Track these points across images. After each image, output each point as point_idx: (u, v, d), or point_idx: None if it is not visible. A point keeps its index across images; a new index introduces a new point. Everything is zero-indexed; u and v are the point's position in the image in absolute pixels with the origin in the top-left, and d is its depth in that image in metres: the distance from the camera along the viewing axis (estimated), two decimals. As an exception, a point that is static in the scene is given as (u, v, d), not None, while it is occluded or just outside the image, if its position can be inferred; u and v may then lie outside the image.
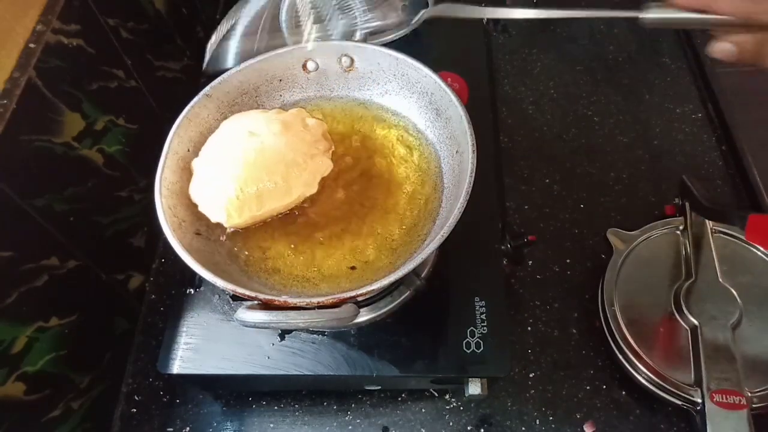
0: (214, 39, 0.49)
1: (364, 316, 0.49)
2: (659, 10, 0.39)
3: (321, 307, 0.37)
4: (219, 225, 0.45)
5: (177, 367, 0.48)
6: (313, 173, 0.45)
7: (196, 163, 0.46)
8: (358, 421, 0.55)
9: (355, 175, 0.49)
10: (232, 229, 0.45)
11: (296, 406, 0.56)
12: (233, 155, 0.44)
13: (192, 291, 0.52)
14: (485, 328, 0.49)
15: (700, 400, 0.50)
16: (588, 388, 0.56)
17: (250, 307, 0.38)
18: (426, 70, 0.48)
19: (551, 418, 0.55)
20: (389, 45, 0.51)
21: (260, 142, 0.44)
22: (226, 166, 0.44)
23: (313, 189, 0.45)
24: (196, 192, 0.45)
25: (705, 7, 0.37)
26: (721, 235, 0.59)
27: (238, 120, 0.47)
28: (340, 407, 0.55)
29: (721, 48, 0.38)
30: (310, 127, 0.47)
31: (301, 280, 0.44)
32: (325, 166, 0.46)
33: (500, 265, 0.54)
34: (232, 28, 0.49)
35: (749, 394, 0.50)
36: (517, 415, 0.55)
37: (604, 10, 0.41)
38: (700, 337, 0.53)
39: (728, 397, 0.49)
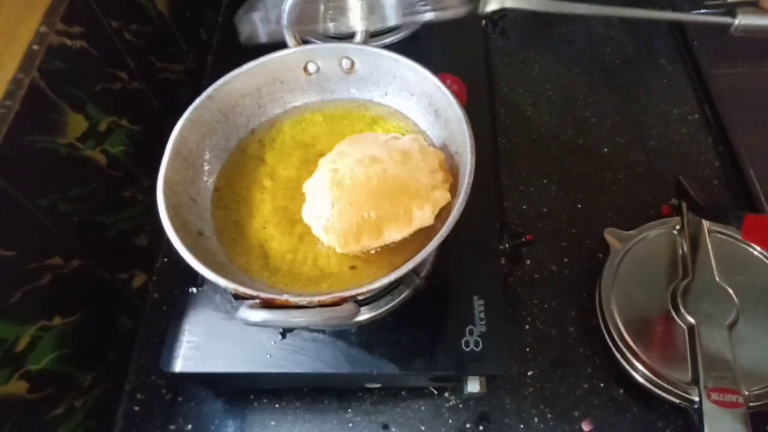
0: (241, 11, 0.49)
1: (365, 314, 0.49)
2: (753, 17, 0.36)
3: (322, 305, 0.37)
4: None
5: (179, 365, 0.48)
6: (433, 206, 0.43)
7: (309, 186, 0.45)
8: (358, 418, 0.55)
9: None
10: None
11: (297, 403, 0.56)
12: (356, 180, 0.43)
13: (194, 290, 0.52)
14: (484, 326, 0.49)
15: (697, 399, 0.50)
16: (586, 386, 0.57)
17: (252, 306, 0.38)
18: (425, 72, 0.48)
19: (549, 415, 0.55)
20: (389, 47, 0.51)
21: (383, 170, 0.43)
22: (347, 191, 0.43)
23: (431, 222, 0.43)
24: (310, 215, 0.44)
25: None
26: (718, 234, 0.60)
27: (357, 143, 0.46)
28: (341, 405, 0.56)
29: None
30: (428, 155, 0.45)
31: (302, 279, 0.44)
32: (444, 200, 0.44)
33: (498, 265, 0.54)
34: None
35: (746, 393, 0.50)
36: (516, 413, 0.55)
37: (694, 15, 0.39)
38: (697, 336, 0.53)
39: (725, 395, 0.49)
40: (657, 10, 0.42)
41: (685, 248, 0.59)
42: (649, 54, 0.84)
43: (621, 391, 0.56)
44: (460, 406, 0.56)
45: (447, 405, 0.56)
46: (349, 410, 0.56)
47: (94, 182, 0.54)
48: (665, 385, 0.52)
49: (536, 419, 0.55)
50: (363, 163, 0.44)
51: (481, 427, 0.55)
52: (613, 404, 0.56)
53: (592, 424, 0.54)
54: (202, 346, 0.49)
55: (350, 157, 0.45)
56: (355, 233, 0.42)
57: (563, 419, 0.55)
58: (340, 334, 0.50)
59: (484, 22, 0.71)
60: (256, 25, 0.49)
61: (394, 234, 0.43)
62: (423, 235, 0.45)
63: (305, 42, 0.53)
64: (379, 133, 0.49)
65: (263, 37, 0.48)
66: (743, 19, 0.37)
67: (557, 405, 0.56)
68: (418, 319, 0.50)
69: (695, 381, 0.51)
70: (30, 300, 0.45)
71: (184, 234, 0.42)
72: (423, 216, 0.43)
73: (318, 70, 0.52)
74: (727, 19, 0.38)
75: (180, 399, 0.57)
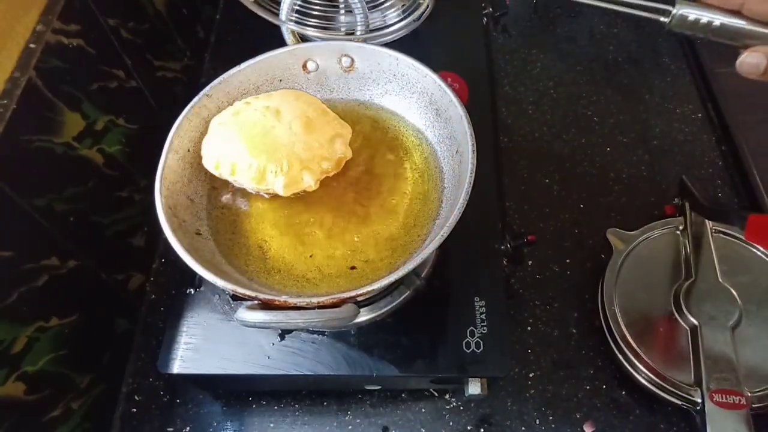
0: None
1: (364, 315, 0.49)
2: (689, 9, 0.36)
3: (321, 307, 0.37)
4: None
5: (177, 366, 0.48)
6: (290, 183, 0.44)
7: (239, 103, 0.48)
8: (358, 420, 0.55)
9: (356, 176, 0.49)
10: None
11: (296, 405, 0.56)
12: (247, 119, 0.45)
13: (192, 291, 0.52)
14: (485, 328, 0.49)
15: (700, 400, 0.50)
16: (588, 387, 0.56)
17: (250, 307, 0.38)
18: (426, 70, 0.48)
19: (551, 417, 0.55)
20: (389, 45, 0.51)
21: (272, 127, 0.44)
22: (235, 122, 0.45)
23: (281, 192, 0.44)
24: (213, 123, 0.46)
25: (738, 6, 0.34)
26: (721, 235, 0.59)
27: (291, 96, 0.47)
28: (340, 407, 0.55)
29: (750, 61, 0.35)
30: (334, 146, 0.45)
31: (301, 280, 0.44)
32: (305, 185, 0.44)
33: (500, 265, 0.54)
34: None
35: (749, 394, 0.50)
36: (517, 415, 0.55)
37: (631, 8, 0.39)
38: (699, 337, 0.53)
39: (728, 397, 0.49)
40: None
41: (688, 249, 0.58)
42: (652, 52, 0.83)
43: (623, 392, 0.56)
44: (461, 408, 0.55)
45: (448, 407, 0.55)
46: (349, 413, 0.55)
47: (90, 182, 0.53)
48: (668, 387, 0.52)
49: (538, 421, 0.55)
50: (266, 111, 0.45)
51: (482, 430, 0.54)
52: (615, 406, 0.55)
53: (594, 426, 0.54)
54: (199, 347, 0.49)
55: (268, 102, 0.46)
56: (217, 157, 0.44)
57: (565, 421, 0.54)
58: (339, 335, 0.49)
59: (485, 20, 0.71)
60: None
61: (243, 181, 0.44)
62: (423, 234, 0.45)
63: (304, 39, 0.52)
64: (326, 107, 0.49)
65: None
66: (681, 9, 0.36)
67: (559, 407, 0.55)
68: (419, 321, 0.50)
69: (698, 382, 0.51)
70: (26, 301, 0.45)
71: (181, 234, 0.41)
72: (274, 182, 0.43)
73: (317, 68, 0.52)
74: (666, 7, 0.37)
75: (178, 401, 0.57)
